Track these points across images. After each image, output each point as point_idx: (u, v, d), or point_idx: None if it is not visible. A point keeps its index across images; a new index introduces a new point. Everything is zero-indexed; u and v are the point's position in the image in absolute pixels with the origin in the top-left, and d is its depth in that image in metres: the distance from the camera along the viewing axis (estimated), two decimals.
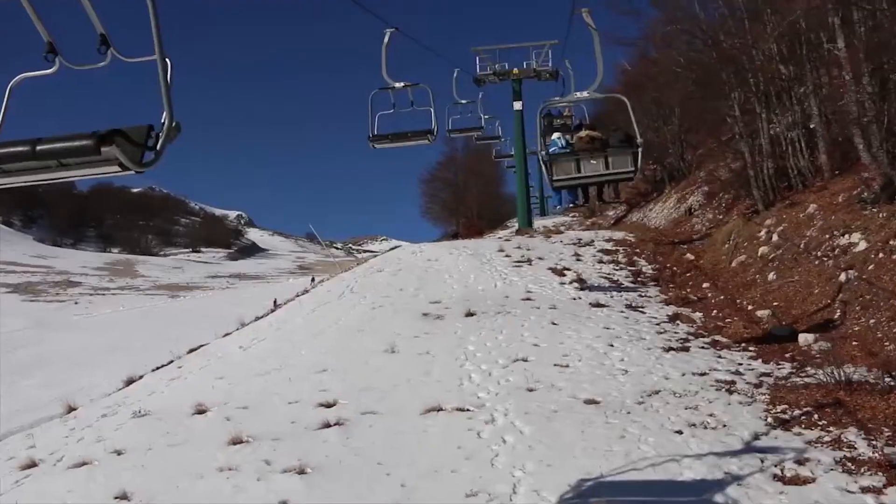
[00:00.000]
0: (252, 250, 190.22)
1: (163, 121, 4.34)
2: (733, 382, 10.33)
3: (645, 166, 40.32)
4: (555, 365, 11.61)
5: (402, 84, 13.79)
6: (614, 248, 24.22)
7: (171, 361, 16.33)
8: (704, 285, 18.31)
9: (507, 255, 22.26)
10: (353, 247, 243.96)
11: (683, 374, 10.84)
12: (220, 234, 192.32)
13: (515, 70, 32.55)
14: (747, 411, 9.06)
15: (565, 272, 19.69)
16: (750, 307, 15.46)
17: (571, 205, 19.06)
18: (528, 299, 16.65)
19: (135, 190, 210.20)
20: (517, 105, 32.63)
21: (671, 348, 12.46)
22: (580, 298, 16.85)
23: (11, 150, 4.17)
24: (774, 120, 21.50)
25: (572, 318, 14.77)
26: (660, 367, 11.27)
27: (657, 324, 14.44)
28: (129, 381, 15.31)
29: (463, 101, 26.76)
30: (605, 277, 19.44)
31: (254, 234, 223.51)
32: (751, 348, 12.39)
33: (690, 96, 23.91)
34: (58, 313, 58.91)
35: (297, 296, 21.23)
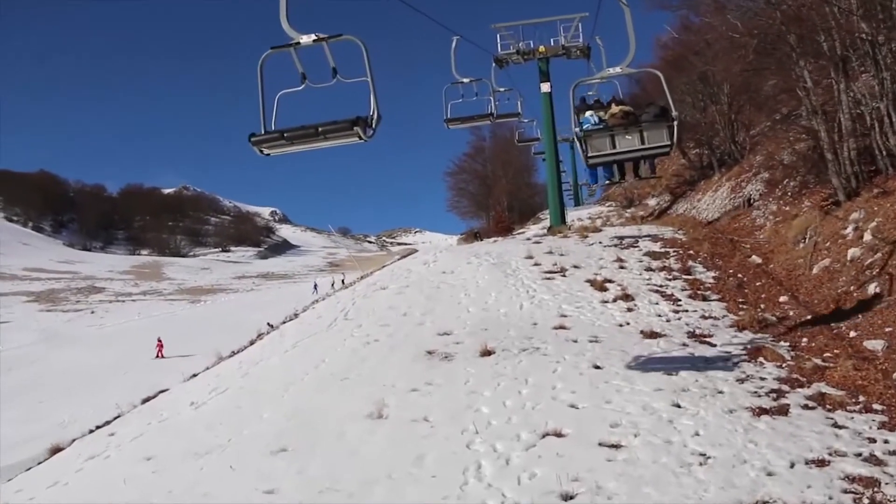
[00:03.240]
0: (283, 248, 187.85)
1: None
2: (875, 484, 6.78)
3: (690, 149, 36.49)
4: (600, 444, 8.12)
5: (313, 37, 8.65)
6: (663, 249, 20.53)
7: (116, 417, 13.10)
8: (782, 299, 14.66)
9: (536, 264, 18.76)
10: (387, 240, 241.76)
11: (793, 465, 7.30)
12: (250, 232, 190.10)
13: (542, 48, 28.81)
14: None
15: (607, 285, 16.16)
16: (853, 334, 11.77)
17: (608, 181, 16.07)
18: (562, 327, 13.15)
19: (167, 190, 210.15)
20: (545, 87, 28.94)
21: (763, 410, 8.88)
22: (628, 325, 13.31)
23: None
24: (855, 90, 17.66)
25: (620, 357, 11.26)
26: (754, 450, 7.73)
27: (735, 364, 10.84)
28: (55, 450, 12.12)
29: (465, 80, 22.51)
30: (657, 291, 15.82)
31: (286, 231, 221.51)
32: (876, 406, 8.78)
33: (747, 68, 20.05)
34: (71, 324, 56.79)
35: (285, 321, 17.90)
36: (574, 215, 41.69)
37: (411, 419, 9.49)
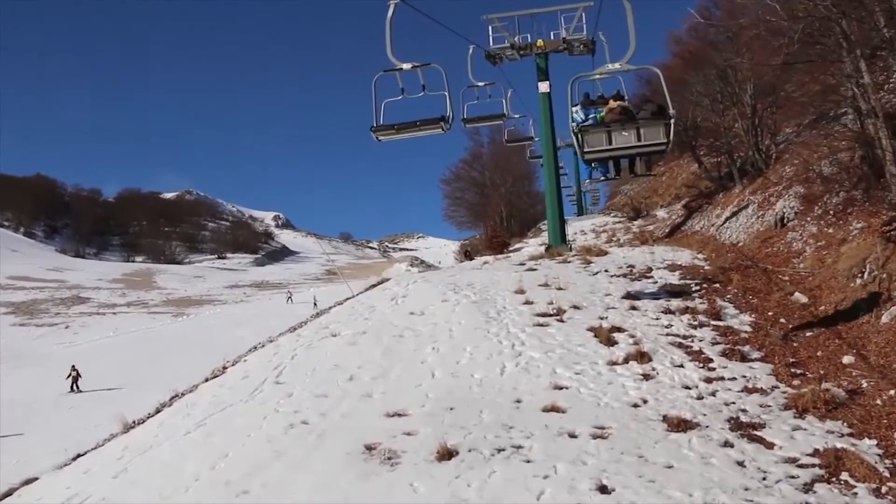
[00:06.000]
0: (281, 254, 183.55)
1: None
2: None
3: (705, 156, 32.93)
4: None
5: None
6: (683, 280, 16.95)
7: None
8: (846, 360, 11.07)
9: (527, 302, 15.20)
10: (390, 245, 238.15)
11: None
12: (247, 238, 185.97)
13: (540, 41, 25.21)
14: None
15: (615, 336, 12.60)
16: None
17: (603, 178, 14.12)
18: (555, 409, 9.56)
19: (168, 195, 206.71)
20: (543, 86, 25.31)
21: None
22: (645, 403, 9.71)
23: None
24: None
25: (637, 468, 7.70)
26: None
27: (809, 487, 7.28)
28: None
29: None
30: (680, 344, 12.21)
31: (286, 237, 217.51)
32: None
33: (787, 61, 16.45)
34: (40, 342, 53.51)
35: (207, 378, 14.26)
36: (576, 227, 38.19)
37: None
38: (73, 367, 34.04)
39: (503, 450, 8.39)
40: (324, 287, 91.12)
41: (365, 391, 10.92)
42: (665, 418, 9.09)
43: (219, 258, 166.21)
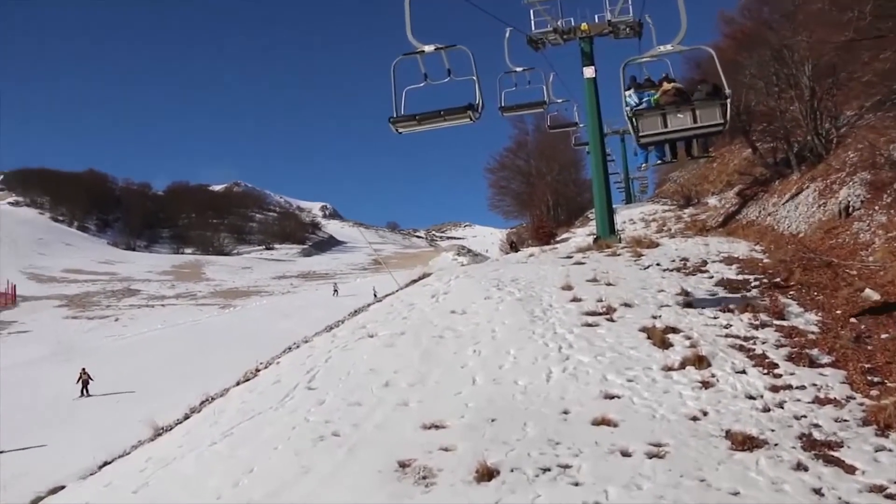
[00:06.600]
0: (328, 244, 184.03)
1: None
2: None
3: (757, 140, 31.54)
4: None
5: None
6: (741, 275, 15.95)
7: None
8: None
9: (575, 299, 14.35)
10: (437, 234, 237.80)
11: None
12: (294, 228, 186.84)
13: (584, 25, 24.20)
14: None
15: (670, 338, 11.72)
16: None
17: (659, 161, 16.18)
18: (606, 422, 8.74)
19: (216, 187, 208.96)
20: (588, 72, 24.29)
21: None
22: (705, 416, 8.84)
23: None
24: None
25: (699, 491, 6.91)
26: None
27: None
28: None
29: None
30: (742, 347, 11.28)
31: (333, 227, 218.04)
32: None
33: (856, 37, 15.24)
34: (91, 335, 54.07)
35: (239, 382, 13.71)
36: (625, 215, 37.05)
37: None
38: (84, 370, 32.59)
39: (549, 470, 7.62)
40: (370, 277, 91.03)
41: (401, 399, 10.23)
42: (728, 434, 8.23)
43: (266, 249, 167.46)
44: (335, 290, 68.69)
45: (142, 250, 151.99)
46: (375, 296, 21.29)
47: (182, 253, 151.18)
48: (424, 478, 7.80)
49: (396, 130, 11.70)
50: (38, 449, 23.14)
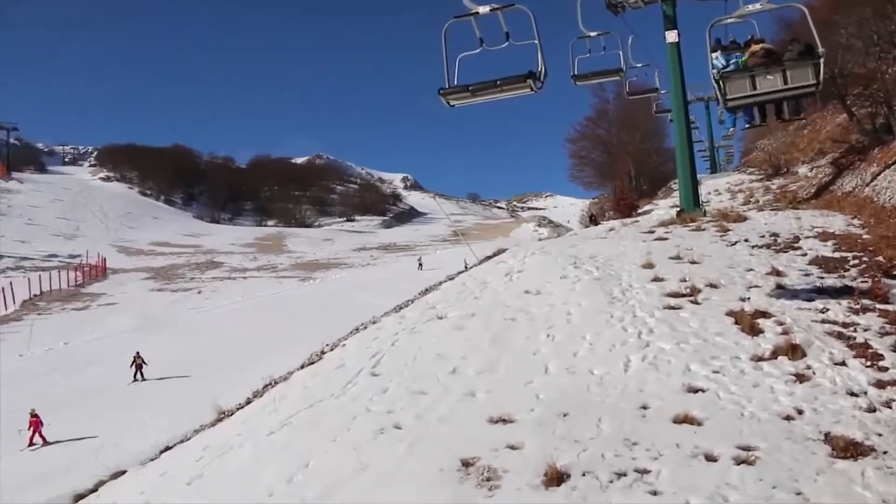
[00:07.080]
0: (409, 216, 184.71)
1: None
2: None
3: (853, 105, 29.63)
4: None
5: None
6: (838, 253, 14.79)
7: None
8: None
9: (656, 279, 13.54)
10: (518, 205, 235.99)
11: None
12: (375, 200, 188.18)
13: None
14: None
15: (760, 323, 10.81)
16: None
17: (747, 125, 15.49)
18: (688, 420, 8.01)
19: (298, 160, 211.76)
20: (671, 36, 23.04)
21: None
22: (801, 415, 8.00)
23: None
24: None
25: None
26: None
27: None
28: None
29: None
30: (841, 335, 10.30)
31: (414, 198, 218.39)
32: None
33: None
34: (173, 307, 55.36)
35: (303, 365, 13.39)
36: (710, 185, 35.59)
37: None
38: (138, 353, 31.98)
39: (624, 475, 6.97)
40: (451, 248, 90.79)
41: (468, 389, 9.69)
42: (828, 438, 7.38)
43: (347, 220, 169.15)
44: (420, 264, 67.74)
45: (226, 223, 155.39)
46: (466, 268, 20.56)
47: (264, 225, 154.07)
48: (488, 479, 7.27)
49: (448, 103, 10.55)
50: (121, 423, 23.62)
